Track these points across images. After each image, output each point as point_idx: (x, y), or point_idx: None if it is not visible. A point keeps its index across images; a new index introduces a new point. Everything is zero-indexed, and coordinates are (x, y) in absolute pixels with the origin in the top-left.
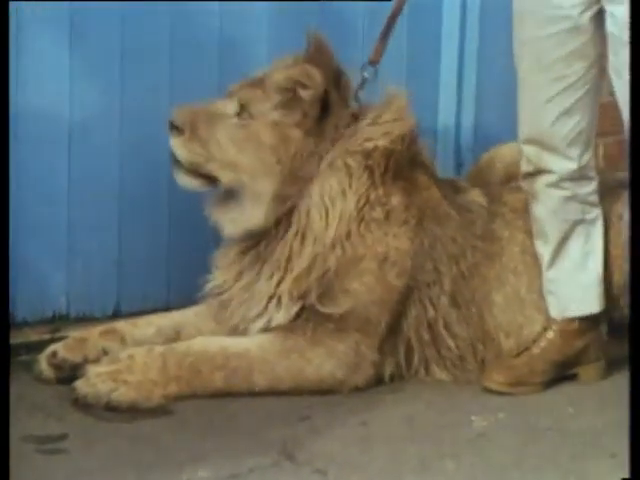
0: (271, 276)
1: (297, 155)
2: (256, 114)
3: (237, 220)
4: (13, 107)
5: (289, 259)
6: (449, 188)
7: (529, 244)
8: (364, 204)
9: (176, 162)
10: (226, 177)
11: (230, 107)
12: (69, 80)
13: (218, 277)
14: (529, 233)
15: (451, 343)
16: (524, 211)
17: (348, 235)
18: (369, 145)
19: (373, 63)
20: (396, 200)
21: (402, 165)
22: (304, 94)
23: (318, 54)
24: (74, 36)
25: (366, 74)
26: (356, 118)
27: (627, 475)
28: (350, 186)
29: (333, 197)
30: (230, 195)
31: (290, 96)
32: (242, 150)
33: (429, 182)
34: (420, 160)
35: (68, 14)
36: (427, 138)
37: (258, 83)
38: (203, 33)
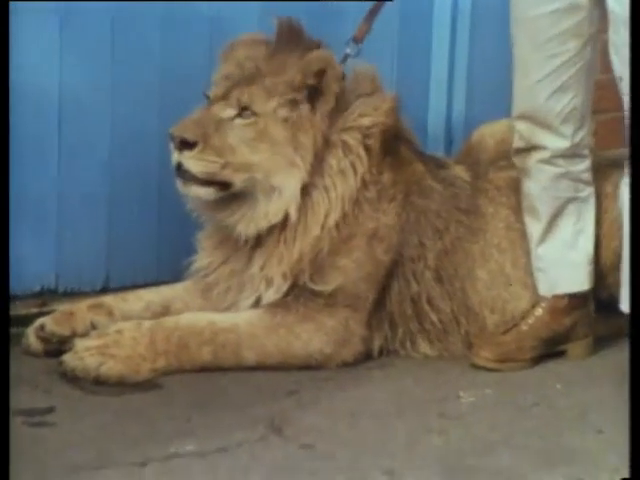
0: (264, 264)
1: (314, 141)
2: (261, 112)
3: (252, 218)
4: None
5: (287, 244)
6: (432, 163)
7: (514, 221)
8: (361, 185)
9: (184, 175)
10: (240, 180)
11: (229, 111)
12: (59, 57)
13: (203, 259)
14: (514, 210)
15: (434, 317)
16: (509, 188)
17: (344, 217)
18: (365, 121)
19: (357, 41)
20: (386, 177)
21: (389, 142)
22: (330, 85)
23: (293, 35)
24: (65, 18)
25: (349, 50)
26: (340, 94)
27: (615, 452)
28: (351, 165)
29: (333, 177)
30: (235, 195)
31: (306, 92)
32: (255, 149)
33: (412, 156)
34: (402, 134)
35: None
36: (418, 114)
37: (250, 79)
38: (194, 14)
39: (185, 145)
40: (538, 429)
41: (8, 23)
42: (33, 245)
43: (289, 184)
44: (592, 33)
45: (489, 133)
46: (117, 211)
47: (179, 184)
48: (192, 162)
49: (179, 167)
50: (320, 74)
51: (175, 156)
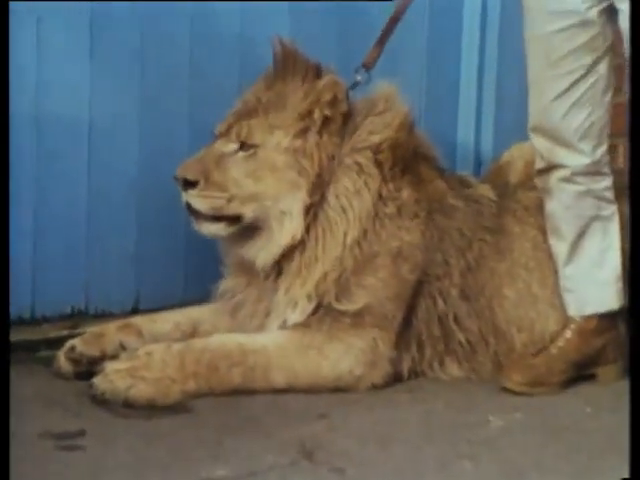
0: (288, 288)
1: (318, 162)
2: (261, 144)
3: (267, 247)
4: (34, 111)
5: (309, 265)
6: (456, 182)
7: (541, 241)
8: (377, 200)
9: (194, 213)
10: (249, 210)
11: (230, 146)
12: (89, 82)
13: (229, 281)
14: (541, 230)
15: (462, 337)
16: (537, 209)
17: (365, 233)
18: (375, 139)
19: (366, 67)
20: (406, 194)
21: (407, 158)
22: (338, 108)
23: (290, 60)
24: (94, 41)
25: (359, 77)
26: (349, 116)
27: None
28: (366, 184)
29: (350, 198)
30: (248, 229)
31: (310, 121)
32: (259, 179)
33: (433, 174)
34: (422, 152)
35: (88, 21)
36: (447, 136)
37: (251, 112)
38: (223, 32)
39: (188, 184)
40: (568, 453)
41: (8, 23)
42: (63, 267)
43: (295, 205)
44: (605, 48)
45: (519, 154)
46: (146, 233)
47: (193, 223)
48: (197, 200)
49: (189, 207)
50: (333, 102)
51: (183, 196)
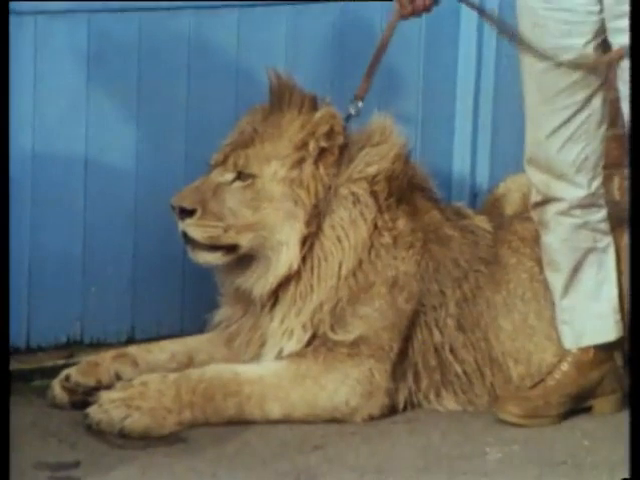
0: (284, 318)
1: (315, 192)
2: (258, 174)
3: (264, 276)
4: (30, 144)
5: (304, 295)
6: (452, 212)
7: (537, 272)
8: (373, 230)
9: (191, 242)
10: (246, 240)
11: (226, 175)
12: (85, 113)
13: (224, 311)
14: (538, 261)
15: (458, 368)
16: (534, 240)
17: (360, 264)
18: (371, 170)
19: (358, 98)
20: (402, 224)
21: (403, 189)
22: (335, 140)
23: (285, 90)
24: (91, 71)
25: (352, 110)
26: (345, 147)
27: None
28: (361, 214)
29: (345, 228)
30: (245, 258)
31: (306, 152)
32: (256, 209)
33: (429, 205)
34: (417, 183)
35: (85, 52)
36: (443, 167)
37: (248, 142)
38: (220, 62)
39: (185, 213)
40: None
41: (8, 23)
42: (59, 297)
43: (292, 235)
44: (600, 83)
45: (514, 186)
46: (142, 263)
47: (189, 252)
48: (193, 229)
49: (185, 235)
50: (329, 134)
51: (180, 225)
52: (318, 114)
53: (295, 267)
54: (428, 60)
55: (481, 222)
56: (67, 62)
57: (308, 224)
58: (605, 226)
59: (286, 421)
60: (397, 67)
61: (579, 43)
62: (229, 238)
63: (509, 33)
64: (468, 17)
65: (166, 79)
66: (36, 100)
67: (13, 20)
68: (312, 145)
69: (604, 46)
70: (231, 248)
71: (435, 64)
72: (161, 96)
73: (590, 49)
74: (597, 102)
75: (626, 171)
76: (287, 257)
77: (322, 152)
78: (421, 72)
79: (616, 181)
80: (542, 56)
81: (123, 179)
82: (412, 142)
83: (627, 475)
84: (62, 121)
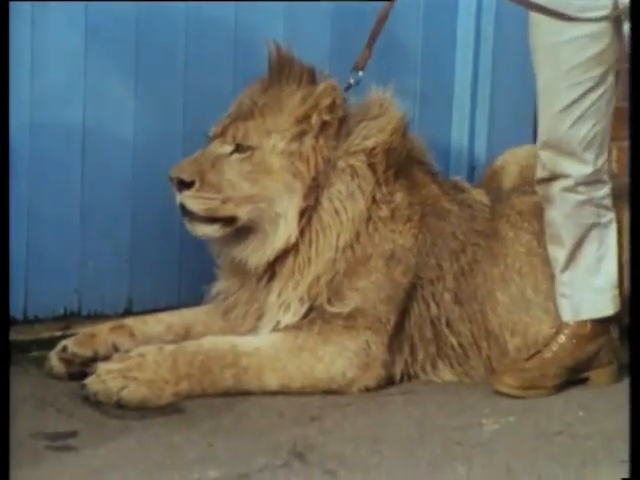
0: (282, 290)
1: (314, 165)
2: (257, 146)
3: (261, 248)
4: (28, 115)
5: (302, 268)
6: (450, 186)
7: (535, 246)
8: (371, 203)
9: (188, 214)
10: (244, 212)
11: (225, 147)
12: (83, 83)
13: (221, 283)
14: (535, 235)
15: (454, 341)
16: (531, 214)
17: (357, 236)
18: (369, 143)
19: (358, 69)
20: (399, 197)
21: (401, 162)
22: (336, 113)
23: (285, 63)
24: (89, 42)
25: (352, 80)
26: (344, 120)
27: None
28: (359, 187)
29: (343, 201)
30: (241, 230)
31: (308, 125)
32: (255, 181)
33: (427, 178)
34: (416, 157)
35: (83, 25)
36: (441, 140)
37: (247, 115)
38: (218, 35)
39: (183, 185)
40: (561, 458)
41: (8, 23)
42: (56, 268)
43: (291, 208)
44: (614, 60)
45: (513, 159)
46: (140, 235)
47: (186, 224)
48: (191, 201)
49: (183, 207)
50: (331, 107)
51: (178, 197)
52: (320, 87)
53: (293, 240)
54: (426, 33)
55: (479, 196)
56: (65, 33)
57: (306, 197)
58: (608, 202)
59: (283, 392)
60: (395, 40)
61: (595, 17)
62: (227, 210)
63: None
64: None
65: (164, 50)
66: (34, 71)
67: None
68: (315, 118)
69: (619, 22)
70: (229, 220)
71: (433, 37)
72: (159, 67)
73: (606, 24)
74: (611, 79)
75: (624, 143)
76: (285, 230)
77: (323, 125)
78: (419, 45)
79: (614, 154)
80: (556, 15)
81: (121, 150)
82: (410, 115)
83: (622, 449)
84: (60, 92)
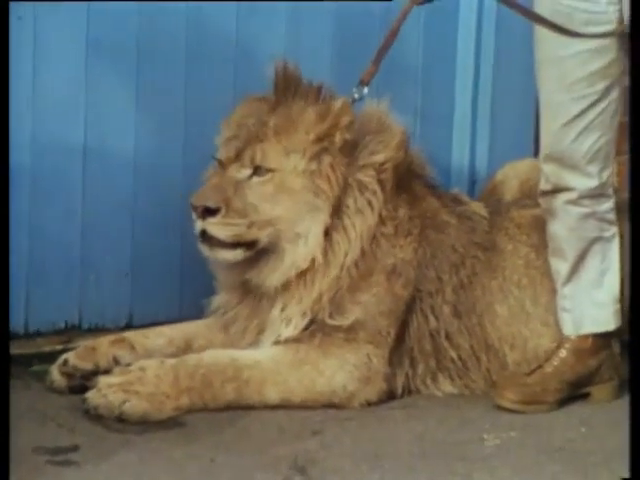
0: (285, 305)
1: (336, 182)
2: (276, 167)
3: (279, 269)
4: (30, 130)
5: (307, 286)
6: (449, 199)
7: (534, 258)
8: (379, 221)
9: (208, 240)
10: (265, 235)
11: (243, 172)
12: (84, 97)
13: (221, 297)
14: (534, 248)
15: (454, 354)
16: (530, 227)
17: (363, 254)
18: (378, 158)
19: (363, 83)
20: (402, 212)
21: (403, 176)
22: (347, 136)
23: (291, 81)
24: (89, 50)
25: (356, 94)
26: None
27: None
28: (369, 203)
29: (351, 217)
30: (260, 251)
31: (329, 143)
32: (277, 203)
33: (426, 191)
34: (415, 170)
35: (85, 27)
36: (442, 154)
37: (260, 136)
38: (219, 48)
39: (208, 212)
40: (562, 474)
41: (8, 23)
42: (57, 282)
43: (313, 229)
44: (619, 74)
45: (513, 173)
46: (141, 248)
47: (205, 250)
48: (217, 228)
49: (203, 234)
50: (351, 125)
51: (199, 224)
52: (337, 104)
53: (320, 259)
54: (427, 48)
55: (478, 208)
56: (66, 49)
57: (332, 215)
58: (611, 216)
59: (284, 406)
60: (396, 55)
61: (599, 32)
62: (251, 234)
63: (527, 12)
64: (467, 5)
65: (165, 67)
66: (35, 88)
67: (13, 8)
68: (338, 137)
69: (624, 37)
70: (251, 244)
71: (434, 52)
72: (160, 84)
73: (611, 39)
74: (615, 93)
75: (624, 157)
76: (307, 250)
77: (344, 143)
78: (420, 60)
79: (615, 167)
80: (561, 30)
81: (122, 165)
82: (411, 130)
83: (624, 465)
84: (61, 109)
